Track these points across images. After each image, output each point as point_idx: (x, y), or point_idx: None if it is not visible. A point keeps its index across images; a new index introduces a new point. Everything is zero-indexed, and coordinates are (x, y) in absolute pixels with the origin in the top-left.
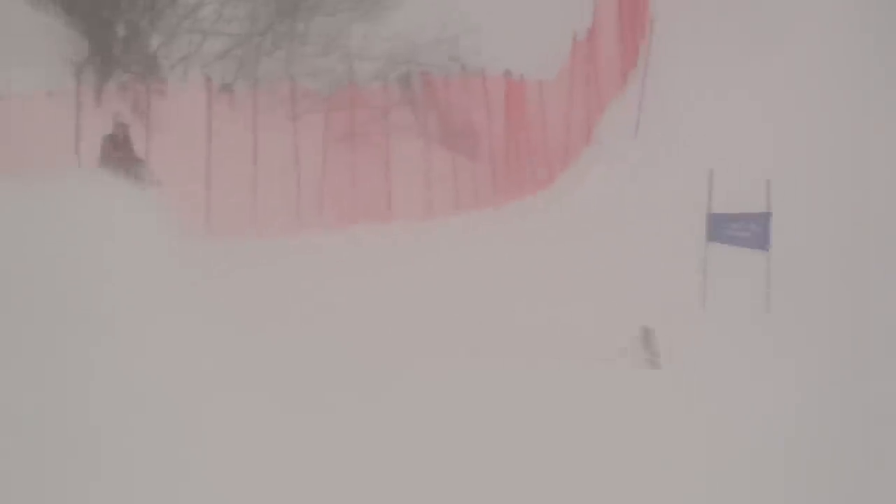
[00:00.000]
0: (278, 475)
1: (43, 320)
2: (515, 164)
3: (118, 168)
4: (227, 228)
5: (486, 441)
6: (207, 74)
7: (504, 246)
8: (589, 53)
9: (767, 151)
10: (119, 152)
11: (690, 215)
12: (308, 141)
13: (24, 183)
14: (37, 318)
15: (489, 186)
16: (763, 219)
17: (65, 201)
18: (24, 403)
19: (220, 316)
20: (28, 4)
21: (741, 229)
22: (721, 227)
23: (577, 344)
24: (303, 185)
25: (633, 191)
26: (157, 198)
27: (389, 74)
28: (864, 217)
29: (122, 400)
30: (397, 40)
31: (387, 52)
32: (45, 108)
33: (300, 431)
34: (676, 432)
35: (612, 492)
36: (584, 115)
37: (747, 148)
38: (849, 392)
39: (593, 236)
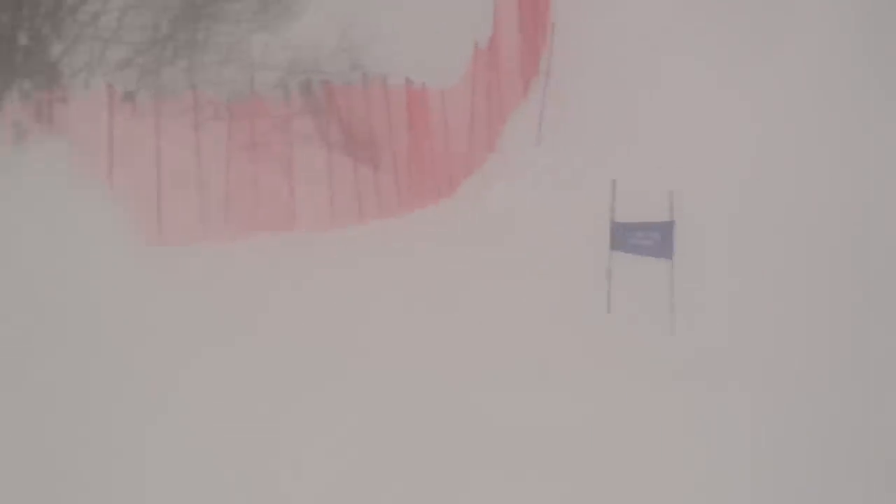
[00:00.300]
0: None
1: None
2: (418, 172)
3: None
4: (129, 235)
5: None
6: (110, 83)
7: (408, 255)
8: (490, 61)
9: (671, 160)
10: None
11: (594, 224)
12: (211, 150)
13: None
14: None
15: (392, 195)
16: (666, 227)
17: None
18: None
19: (124, 323)
20: None
21: (644, 238)
22: (624, 236)
23: (479, 353)
24: (206, 194)
25: (537, 199)
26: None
27: (291, 83)
28: (767, 225)
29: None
30: (298, 50)
31: (288, 61)
32: None
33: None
34: (580, 441)
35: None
36: (487, 123)
37: (651, 156)
38: (751, 402)
39: (497, 244)
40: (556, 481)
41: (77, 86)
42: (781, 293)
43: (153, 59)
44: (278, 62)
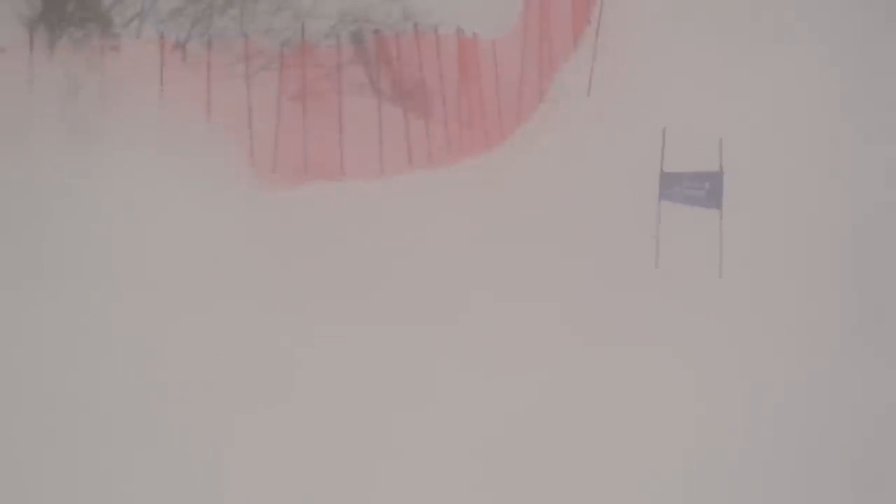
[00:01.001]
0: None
1: None
2: (468, 122)
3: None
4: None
5: (447, 402)
6: (161, 31)
7: (456, 205)
8: (541, 11)
9: (721, 109)
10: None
11: (643, 173)
12: (261, 99)
13: None
14: None
15: (442, 145)
16: (715, 178)
17: None
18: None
19: (176, 276)
20: None
21: (694, 188)
22: (673, 186)
23: (528, 298)
24: (256, 143)
25: (586, 149)
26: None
27: (342, 32)
28: (818, 177)
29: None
30: None
31: (339, 10)
32: None
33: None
34: (628, 395)
35: (564, 458)
36: (537, 73)
37: (700, 106)
38: (799, 362)
39: (546, 195)
40: (609, 425)
41: (128, 34)
42: (829, 243)
43: (204, 8)
44: (329, 11)
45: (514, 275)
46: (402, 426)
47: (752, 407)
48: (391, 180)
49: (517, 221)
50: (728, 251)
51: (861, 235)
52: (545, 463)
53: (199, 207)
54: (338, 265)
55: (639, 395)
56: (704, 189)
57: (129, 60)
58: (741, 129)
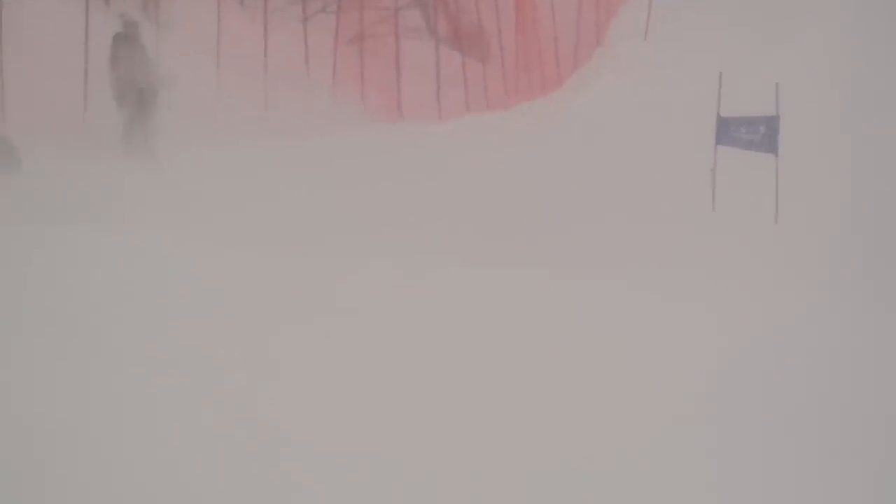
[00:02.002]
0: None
1: None
2: (525, 66)
3: (126, 67)
4: (238, 129)
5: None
6: None
7: (514, 148)
8: None
9: (777, 54)
10: (128, 51)
11: (700, 118)
12: (318, 43)
13: None
14: None
15: (499, 88)
16: (772, 122)
17: None
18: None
19: (229, 217)
20: None
21: (750, 132)
22: (730, 130)
23: (584, 242)
24: (313, 86)
25: (643, 93)
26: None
27: None
28: (874, 121)
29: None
30: None
31: None
32: (53, 8)
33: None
34: (676, 336)
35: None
36: (594, 16)
37: (757, 50)
38: (856, 310)
39: (603, 139)
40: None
41: None
42: (886, 189)
43: None
44: None
45: (572, 218)
46: (494, 368)
47: (808, 354)
48: (449, 123)
49: (574, 165)
50: (784, 196)
51: None
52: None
53: (256, 153)
54: (396, 208)
55: (689, 339)
56: (760, 133)
57: (185, 5)
58: (797, 74)
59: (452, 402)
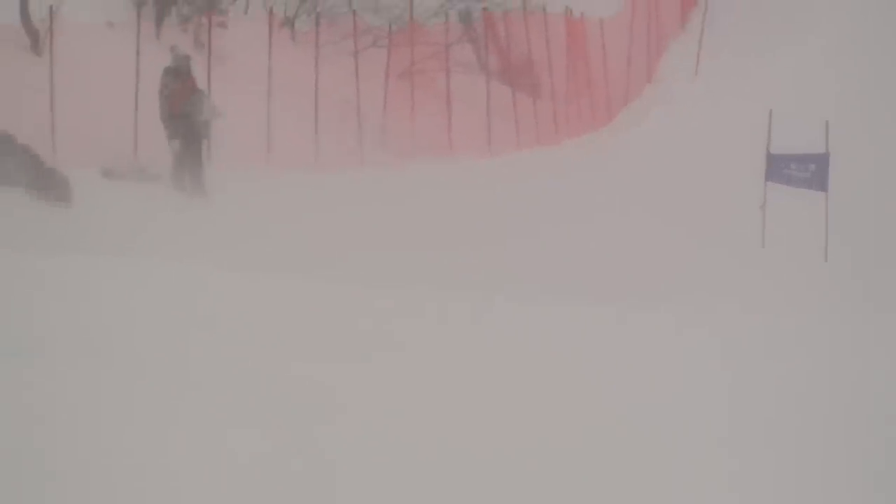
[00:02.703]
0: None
1: None
2: (576, 101)
3: (177, 99)
4: (287, 162)
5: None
6: (269, 8)
7: (564, 182)
8: None
9: (827, 91)
10: (180, 84)
11: (749, 155)
12: (369, 77)
13: None
14: None
15: (549, 123)
16: (822, 160)
17: None
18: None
19: (279, 250)
20: None
21: (800, 170)
22: (780, 167)
23: (635, 277)
24: (364, 120)
25: (693, 129)
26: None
27: (450, 11)
28: None
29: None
30: None
31: None
32: (105, 40)
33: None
34: (724, 371)
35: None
36: (645, 53)
37: (807, 88)
38: None
39: (652, 174)
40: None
41: (236, 11)
42: None
43: None
44: None
45: (622, 253)
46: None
47: (851, 388)
48: (499, 158)
49: (623, 200)
50: (833, 234)
51: None
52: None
53: (307, 187)
54: (446, 242)
55: (737, 373)
56: (810, 171)
57: (237, 37)
58: (847, 112)
59: (503, 445)
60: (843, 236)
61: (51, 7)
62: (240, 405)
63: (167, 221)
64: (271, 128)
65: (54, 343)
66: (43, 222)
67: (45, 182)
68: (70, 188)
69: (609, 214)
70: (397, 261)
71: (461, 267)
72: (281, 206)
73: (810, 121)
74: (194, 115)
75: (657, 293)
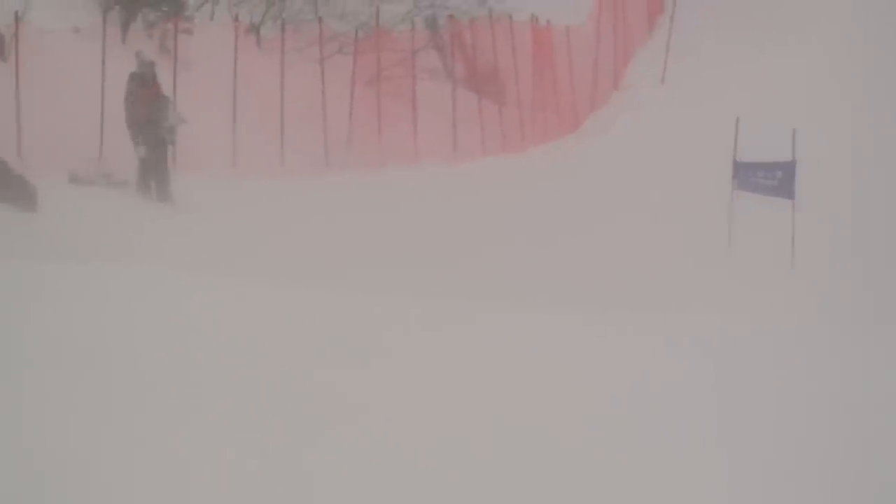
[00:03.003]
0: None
1: None
2: (542, 108)
3: (143, 106)
4: (253, 168)
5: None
6: (235, 14)
7: (530, 189)
8: (616, 0)
9: (795, 99)
10: (145, 90)
11: (716, 162)
12: (335, 83)
13: None
14: None
15: (516, 130)
16: (789, 167)
17: None
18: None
19: (245, 256)
20: None
21: (767, 177)
22: (746, 175)
23: (601, 283)
24: (329, 127)
25: (660, 137)
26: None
27: (416, 17)
28: (891, 168)
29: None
30: None
31: None
32: (71, 46)
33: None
34: (691, 379)
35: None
36: (611, 60)
37: (774, 95)
38: (870, 359)
39: (618, 182)
40: (668, 418)
41: (202, 17)
42: None
43: None
44: None
45: (586, 260)
46: (493, 409)
47: (819, 397)
48: (465, 165)
49: (589, 208)
50: (800, 242)
51: None
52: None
53: (272, 193)
54: (411, 249)
55: (704, 381)
56: (777, 178)
57: (203, 43)
58: (815, 120)
59: (489, 456)
60: (810, 244)
61: (16, 13)
62: (207, 410)
63: (133, 227)
64: (237, 134)
65: (20, 350)
66: (8, 228)
67: (11, 188)
68: (36, 194)
69: (575, 222)
70: (362, 267)
71: (426, 273)
72: (246, 212)
73: (777, 128)
74: (160, 122)
75: (624, 299)
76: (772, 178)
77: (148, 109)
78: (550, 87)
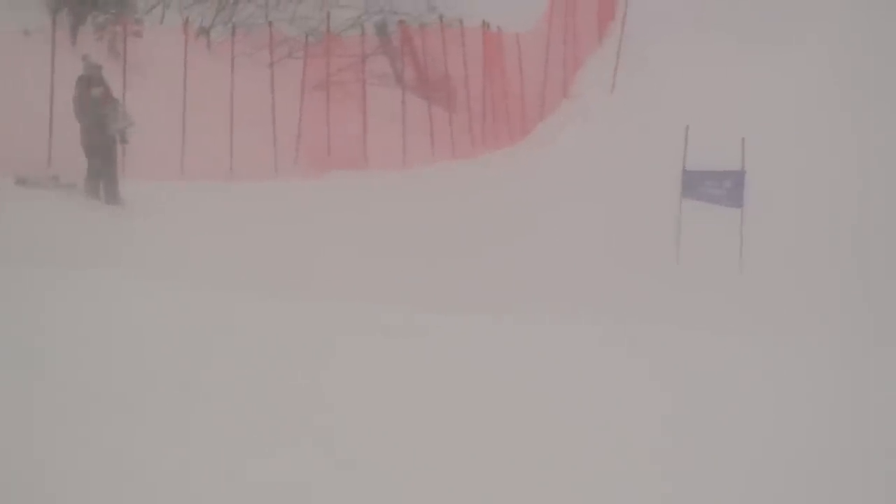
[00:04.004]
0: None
1: None
2: (492, 115)
3: (93, 108)
4: (202, 171)
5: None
6: (185, 17)
7: (478, 196)
8: (566, 6)
9: (744, 108)
10: (91, 94)
11: (665, 171)
12: (284, 87)
13: None
14: None
15: (465, 137)
16: (737, 176)
17: None
18: None
19: (193, 259)
20: None
21: (715, 186)
22: (695, 184)
23: (549, 292)
24: (279, 132)
25: (609, 145)
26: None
27: (366, 23)
28: (838, 176)
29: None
30: None
31: (364, 1)
32: (21, 48)
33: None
34: (642, 387)
35: (563, 451)
36: (561, 68)
37: (723, 104)
38: (816, 359)
39: (567, 189)
40: (613, 430)
41: (152, 20)
42: (848, 242)
43: None
44: (355, 1)
45: (535, 268)
46: (436, 420)
47: (769, 402)
48: (414, 171)
49: (537, 215)
50: (748, 249)
51: (880, 234)
52: (550, 454)
53: (221, 198)
54: (359, 255)
55: (655, 389)
56: (726, 187)
57: (152, 46)
58: (763, 129)
59: (445, 460)
60: (758, 253)
61: None
62: (152, 410)
63: (81, 230)
64: (186, 137)
65: None
66: None
67: None
68: None
69: (524, 229)
70: (308, 271)
71: (373, 278)
72: (194, 216)
73: (726, 137)
74: (108, 124)
75: (573, 309)
76: (720, 188)
77: (96, 112)
78: (500, 93)
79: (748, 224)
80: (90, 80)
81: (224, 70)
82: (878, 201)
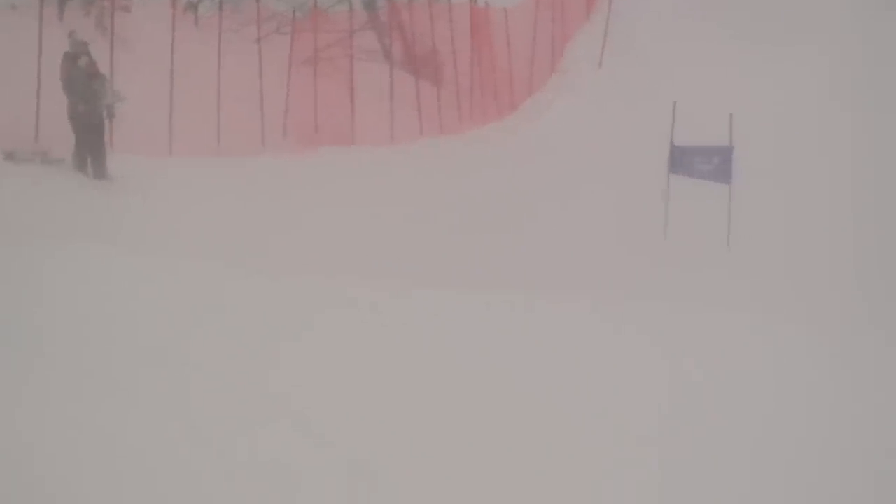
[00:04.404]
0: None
1: None
2: (479, 90)
3: (80, 83)
4: (189, 147)
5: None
6: None
7: (467, 172)
8: None
9: (732, 84)
10: (78, 70)
11: (653, 146)
12: (272, 63)
13: None
14: None
15: (453, 112)
16: (725, 152)
17: None
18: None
19: (181, 234)
20: None
21: (704, 162)
22: (683, 159)
23: (537, 268)
24: (266, 107)
25: (597, 120)
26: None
27: None
28: (826, 152)
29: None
30: None
31: None
32: (8, 23)
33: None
34: (631, 362)
35: (554, 426)
36: (549, 43)
37: (711, 80)
38: (802, 335)
39: (555, 165)
40: (602, 406)
41: None
42: (835, 219)
43: None
44: None
45: (522, 243)
46: (424, 393)
47: (758, 377)
48: (401, 146)
49: (525, 191)
50: (736, 225)
51: (868, 209)
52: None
53: (209, 173)
54: (347, 230)
55: (644, 364)
56: (714, 163)
57: (140, 21)
58: (751, 105)
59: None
60: (746, 229)
61: None
62: (144, 388)
63: (69, 205)
64: (173, 113)
65: None
66: None
67: None
68: None
69: (512, 204)
70: (296, 247)
71: (361, 254)
72: (182, 191)
73: (714, 113)
74: (96, 100)
75: (560, 284)
76: (708, 163)
77: (83, 88)
78: (489, 69)
79: (736, 200)
80: (76, 57)
81: (212, 45)
82: (866, 176)
